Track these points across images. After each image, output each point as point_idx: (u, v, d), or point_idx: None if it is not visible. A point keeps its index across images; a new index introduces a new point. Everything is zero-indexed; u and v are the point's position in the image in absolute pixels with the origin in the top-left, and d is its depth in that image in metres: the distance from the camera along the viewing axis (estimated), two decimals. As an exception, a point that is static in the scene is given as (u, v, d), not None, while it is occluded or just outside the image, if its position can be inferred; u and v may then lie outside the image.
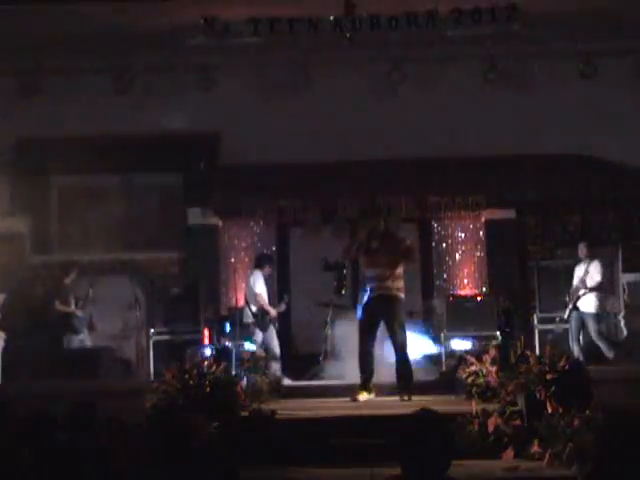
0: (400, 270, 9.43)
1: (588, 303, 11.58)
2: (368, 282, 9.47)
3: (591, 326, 11.56)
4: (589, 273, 11.66)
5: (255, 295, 11.88)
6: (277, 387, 10.05)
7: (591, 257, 11.83)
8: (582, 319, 11.64)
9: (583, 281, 11.66)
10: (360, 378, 9.40)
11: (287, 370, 11.66)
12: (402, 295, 9.45)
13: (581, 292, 11.58)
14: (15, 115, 13.09)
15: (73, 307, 12.63)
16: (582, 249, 11.89)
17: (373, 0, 11.93)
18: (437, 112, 13.36)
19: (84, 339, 12.64)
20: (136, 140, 13.80)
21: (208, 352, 10.41)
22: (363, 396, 9.19)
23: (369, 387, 9.29)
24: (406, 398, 9.11)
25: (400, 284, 9.41)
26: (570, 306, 11.64)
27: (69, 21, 12.04)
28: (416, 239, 13.84)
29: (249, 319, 11.82)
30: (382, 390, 9.57)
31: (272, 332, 11.83)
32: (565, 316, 11.78)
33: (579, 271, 11.84)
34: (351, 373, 10.02)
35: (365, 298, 9.48)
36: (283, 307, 12.38)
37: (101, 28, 12.15)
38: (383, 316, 9.40)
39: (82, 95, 13.28)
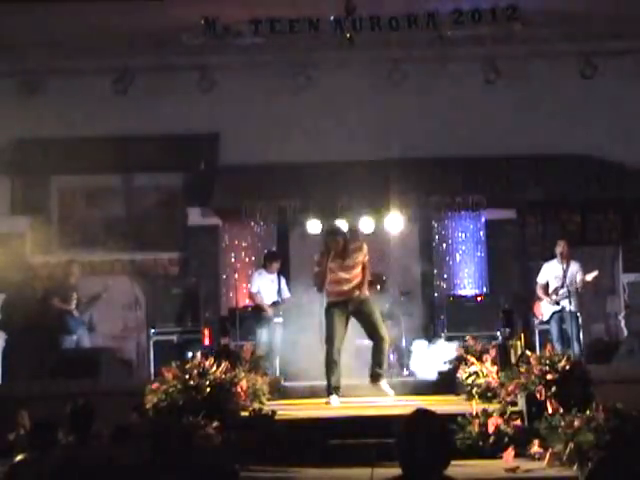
0: (365, 275, 9.43)
1: (570, 302, 11.44)
2: (336, 286, 9.40)
3: (573, 326, 11.41)
4: (573, 274, 11.47)
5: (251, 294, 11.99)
6: (277, 387, 10.04)
7: (570, 257, 11.62)
8: (563, 318, 11.47)
9: (564, 281, 11.46)
10: (328, 382, 9.32)
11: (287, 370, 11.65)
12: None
13: (569, 292, 11.38)
14: (15, 115, 13.09)
15: (73, 306, 12.52)
16: (561, 246, 11.65)
17: (373, 0, 11.95)
18: (437, 112, 13.37)
19: (79, 340, 12.51)
20: (136, 140, 13.80)
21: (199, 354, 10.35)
22: (335, 399, 9.17)
23: (338, 389, 9.28)
24: (375, 381, 9.20)
25: (366, 289, 9.45)
26: (556, 307, 11.47)
27: (69, 21, 12.05)
28: (416, 239, 13.91)
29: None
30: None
31: (273, 331, 11.82)
32: (546, 318, 11.62)
33: (556, 270, 11.61)
34: (350, 372, 9.99)
35: (331, 301, 9.44)
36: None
37: (101, 28, 12.17)
38: (354, 316, 9.41)
39: (82, 95, 13.29)
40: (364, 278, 9.43)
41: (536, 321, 12.35)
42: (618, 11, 12.19)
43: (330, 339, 9.30)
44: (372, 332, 9.41)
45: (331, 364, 9.26)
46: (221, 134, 14.05)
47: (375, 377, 9.35)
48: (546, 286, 11.54)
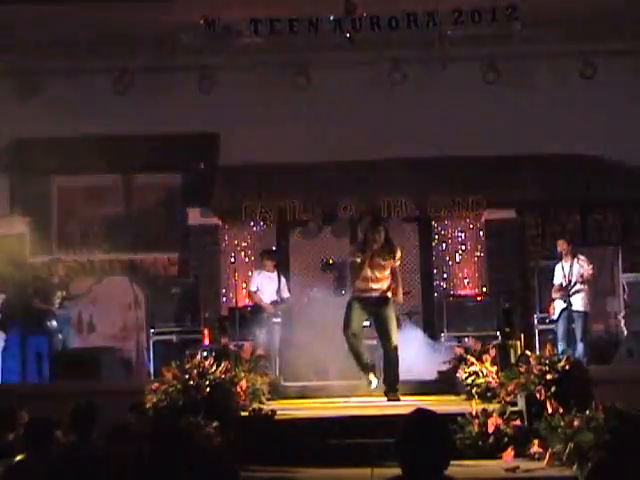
0: (394, 280, 9.46)
1: (578, 302, 11.48)
2: (363, 283, 9.40)
3: (579, 326, 11.44)
4: (577, 268, 11.50)
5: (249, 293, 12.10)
6: (277, 387, 10.04)
7: (573, 254, 11.67)
8: (571, 318, 11.51)
9: (570, 278, 11.49)
10: (360, 364, 9.43)
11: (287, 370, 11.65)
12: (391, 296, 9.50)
13: (576, 287, 11.43)
14: (15, 115, 13.09)
15: (55, 306, 12.36)
16: (560, 246, 11.68)
17: (373, 0, 11.96)
18: (437, 112, 13.36)
19: (65, 339, 12.35)
20: (136, 140, 13.80)
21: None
22: (373, 378, 9.28)
23: (372, 367, 9.38)
24: (395, 398, 9.14)
25: (390, 288, 9.45)
26: (564, 305, 11.51)
27: (69, 21, 12.06)
28: (416, 239, 13.91)
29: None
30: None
31: (273, 330, 11.80)
32: (555, 316, 11.66)
33: (561, 269, 11.68)
34: (350, 373, 9.99)
35: (355, 295, 9.45)
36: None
37: (101, 28, 12.18)
38: (373, 316, 9.44)
39: (82, 95, 13.29)
40: (394, 283, 9.46)
41: (536, 320, 12.36)
42: (618, 11, 12.19)
43: (345, 325, 9.34)
44: (383, 339, 9.41)
45: (353, 347, 9.34)
46: (221, 134, 14.05)
47: (392, 396, 9.16)
48: (560, 287, 11.64)
